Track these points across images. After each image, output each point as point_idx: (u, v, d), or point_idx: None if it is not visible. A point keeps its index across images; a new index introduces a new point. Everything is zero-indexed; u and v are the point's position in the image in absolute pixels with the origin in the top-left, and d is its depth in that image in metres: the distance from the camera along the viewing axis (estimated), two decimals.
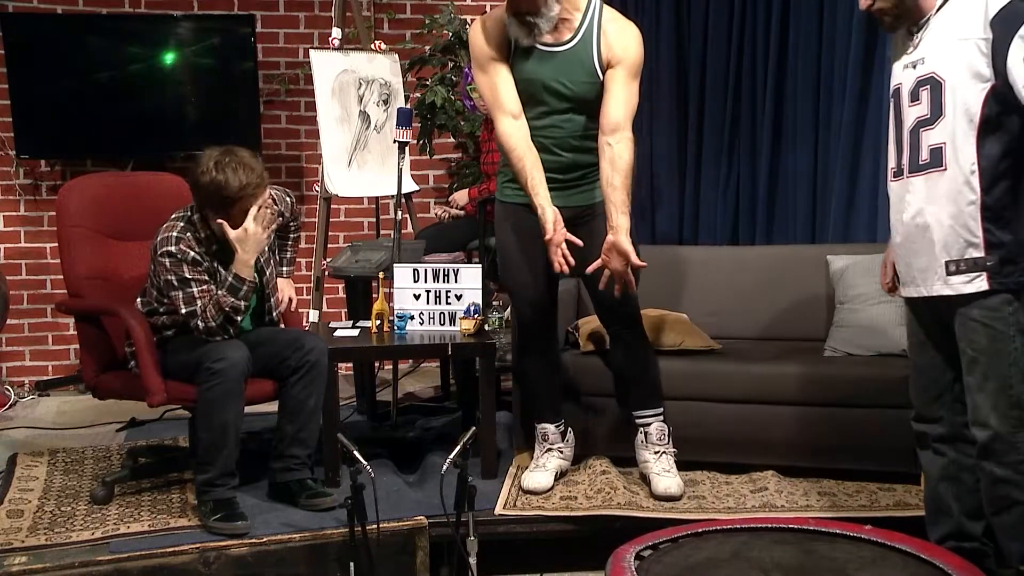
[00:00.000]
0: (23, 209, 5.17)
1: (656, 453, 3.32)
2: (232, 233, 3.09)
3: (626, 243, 2.98)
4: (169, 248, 3.09)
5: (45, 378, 5.21)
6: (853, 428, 3.33)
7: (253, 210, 3.10)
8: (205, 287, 3.11)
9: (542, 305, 3.33)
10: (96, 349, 3.37)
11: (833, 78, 4.34)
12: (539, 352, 3.38)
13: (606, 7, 3.16)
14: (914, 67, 2.48)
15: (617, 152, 3.02)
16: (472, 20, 4.67)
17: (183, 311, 3.10)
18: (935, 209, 2.42)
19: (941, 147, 2.40)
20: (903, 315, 3.47)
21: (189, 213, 3.19)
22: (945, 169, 2.39)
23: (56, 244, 3.50)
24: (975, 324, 2.41)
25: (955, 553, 2.51)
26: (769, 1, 4.53)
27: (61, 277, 3.47)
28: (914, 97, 2.47)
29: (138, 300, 3.32)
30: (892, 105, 2.57)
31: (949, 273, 2.42)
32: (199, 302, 3.09)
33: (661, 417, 3.34)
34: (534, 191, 3.06)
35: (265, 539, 2.98)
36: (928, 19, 2.45)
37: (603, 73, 3.09)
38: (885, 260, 2.78)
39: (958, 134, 2.37)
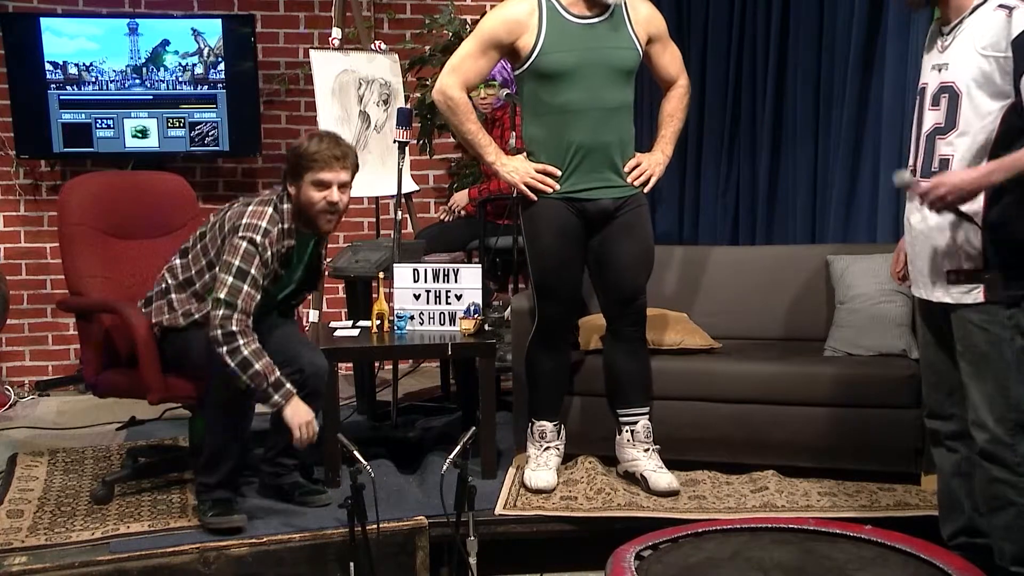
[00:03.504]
0: (23, 209, 5.17)
1: (646, 450, 3.34)
2: (289, 418, 2.93)
3: (647, 159, 3.28)
4: (255, 236, 2.99)
5: (45, 378, 5.20)
6: (853, 428, 3.33)
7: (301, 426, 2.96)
8: (254, 291, 2.98)
9: (572, 305, 3.36)
10: (97, 347, 3.36)
11: (833, 78, 4.33)
12: (557, 350, 3.38)
13: None
14: (939, 71, 2.46)
15: (667, 97, 3.44)
16: (472, 20, 4.68)
17: (221, 295, 2.94)
18: (939, 219, 2.43)
19: (949, 159, 2.41)
20: (903, 315, 3.51)
21: (276, 201, 3.10)
22: None
23: (56, 244, 3.50)
24: (972, 327, 2.43)
25: (968, 549, 2.56)
26: (769, 1, 4.53)
27: (61, 277, 3.48)
28: (934, 102, 2.47)
29: (177, 262, 3.19)
30: (917, 103, 2.56)
31: (950, 282, 2.45)
32: (239, 303, 2.94)
33: (648, 415, 3.36)
34: (494, 153, 3.28)
35: (265, 539, 2.98)
36: (962, 21, 2.41)
37: (640, 44, 3.22)
38: (898, 249, 2.80)
39: (969, 148, 2.38)
